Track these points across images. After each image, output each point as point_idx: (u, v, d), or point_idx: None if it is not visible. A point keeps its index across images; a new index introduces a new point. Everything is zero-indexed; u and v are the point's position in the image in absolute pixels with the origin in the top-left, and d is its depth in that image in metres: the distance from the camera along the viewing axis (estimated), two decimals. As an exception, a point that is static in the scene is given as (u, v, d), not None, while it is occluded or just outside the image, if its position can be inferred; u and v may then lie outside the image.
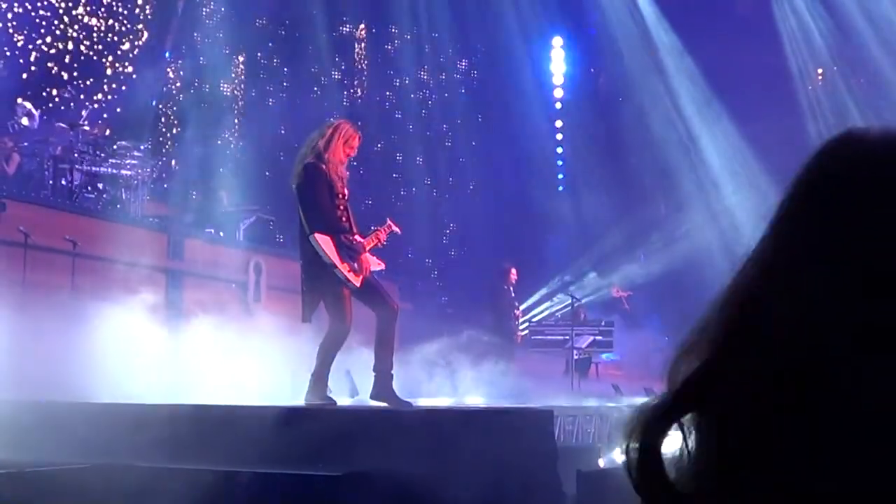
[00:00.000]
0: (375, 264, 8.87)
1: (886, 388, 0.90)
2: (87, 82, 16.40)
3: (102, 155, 14.16)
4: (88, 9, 16.53)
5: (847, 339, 0.92)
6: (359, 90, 20.76)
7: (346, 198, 8.70)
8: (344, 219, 8.58)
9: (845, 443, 0.90)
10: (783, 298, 0.97)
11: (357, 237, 8.65)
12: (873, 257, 0.94)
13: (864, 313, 0.93)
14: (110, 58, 16.84)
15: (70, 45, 16.14)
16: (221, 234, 15.20)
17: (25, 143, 13.66)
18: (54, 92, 15.76)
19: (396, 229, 9.27)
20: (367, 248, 8.72)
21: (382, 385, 8.50)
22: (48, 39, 15.84)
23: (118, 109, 16.54)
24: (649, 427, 1.00)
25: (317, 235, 8.40)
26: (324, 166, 8.48)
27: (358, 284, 8.49)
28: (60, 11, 16.08)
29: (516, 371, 14.08)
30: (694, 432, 0.98)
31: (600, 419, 9.72)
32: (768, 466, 0.93)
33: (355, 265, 8.47)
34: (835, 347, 0.92)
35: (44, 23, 15.86)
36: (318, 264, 8.41)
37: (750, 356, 0.96)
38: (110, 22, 16.89)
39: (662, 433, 0.99)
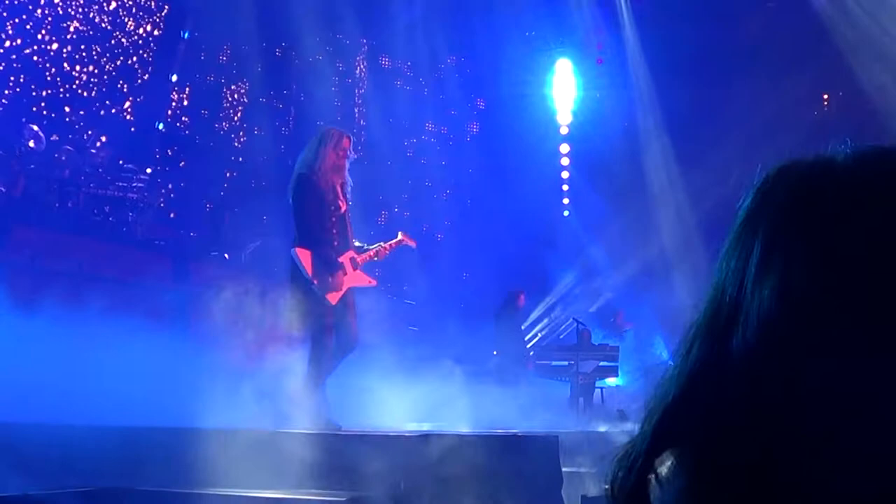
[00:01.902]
0: (365, 281, 8.79)
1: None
2: (90, 105, 16.46)
3: (109, 178, 14.19)
4: (96, 36, 16.59)
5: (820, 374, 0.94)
6: (362, 132, 20.66)
7: (343, 210, 8.54)
8: (334, 231, 8.44)
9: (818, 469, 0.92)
10: (749, 331, 0.98)
11: (350, 254, 8.56)
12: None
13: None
14: (117, 81, 16.89)
15: (78, 67, 16.19)
16: (226, 256, 15.21)
17: (32, 166, 13.68)
18: (59, 113, 15.82)
19: (410, 243, 9.17)
20: (361, 263, 8.61)
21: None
22: (56, 61, 15.90)
23: (124, 133, 16.58)
24: (634, 466, 1.02)
25: (297, 250, 8.33)
26: (314, 177, 8.36)
27: (333, 302, 8.36)
28: (67, 35, 16.15)
29: (522, 396, 14.02)
30: (669, 465, 1.01)
31: (605, 444, 9.68)
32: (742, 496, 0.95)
33: (331, 282, 8.34)
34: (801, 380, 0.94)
35: (49, 43, 15.92)
36: (300, 280, 8.35)
37: (722, 390, 0.98)
38: (117, 50, 16.95)
39: (648, 471, 1.02)
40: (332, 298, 8.37)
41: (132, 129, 16.81)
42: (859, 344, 0.92)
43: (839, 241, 0.96)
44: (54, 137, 14.76)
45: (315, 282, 8.28)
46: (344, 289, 8.46)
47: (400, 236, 9.14)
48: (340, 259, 8.46)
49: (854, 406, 0.91)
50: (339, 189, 8.53)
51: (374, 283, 8.97)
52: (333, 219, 8.46)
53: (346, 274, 8.47)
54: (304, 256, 8.31)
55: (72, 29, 16.16)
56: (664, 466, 1.01)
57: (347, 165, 8.60)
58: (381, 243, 8.95)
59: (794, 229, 0.98)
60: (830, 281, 0.95)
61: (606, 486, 1.08)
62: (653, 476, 1.01)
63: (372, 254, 8.79)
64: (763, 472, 0.93)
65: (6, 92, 15.05)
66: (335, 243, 8.47)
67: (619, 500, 1.04)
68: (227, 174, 18.44)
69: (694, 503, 0.97)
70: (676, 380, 1.03)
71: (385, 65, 21.46)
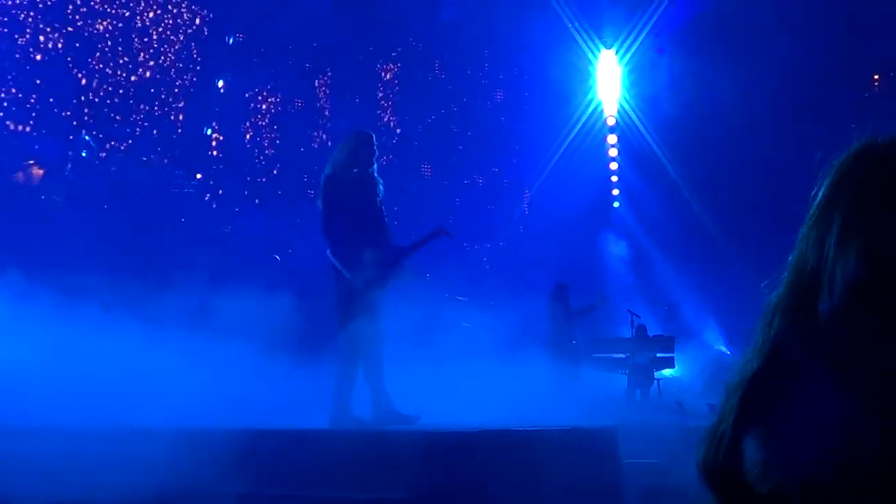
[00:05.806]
0: (406, 275, 8.68)
1: None
2: (142, 113, 16.64)
3: (160, 184, 14.36)
4: (142, 40, 16.77)
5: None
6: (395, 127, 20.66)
7: (377, 205, 8.50)
8: (369, 227, 8.39)
9: None
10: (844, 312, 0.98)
11: (387, 249, 8.50)
12: None
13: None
14: (164, 89, 17.06)
15: (127, 76, 16.37)
16: (278, 258, 15.33)
17: (85, 175, 13.85)
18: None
19: (448, 235, 9.08)
20: (398, 259, 8.54)
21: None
22: (106, 71, 16.10)
23: (174, 139, 16.77)
24: (723, 440, 1.02)
25: (331, 252, 8.34)
26: (342, 177, 8.35)
27: (377, 298, 8.33)
28: (113, 45, 16.33)
29: (579, 389, 13.98)
30: (762, 436, 1.00)
31: (663, 436, 9.62)
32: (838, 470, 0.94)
33: (371, 278, 8.28)
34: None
35: (100, 54, 16.10)
36: (343, 280, 8.29)
37: (811, 352, 0.98)
38: (164, 58, 17.12)
39: (739, 443, 1.01)
40: (375, 294, 8.37)
41: (181, 136, 16.98)
42: None
43: None
44: (114, 144, 14.97)
45: (355, 280, 8.26)
46: (385, 283, 8.43)
47: (436, 229, 9.07)
48: (378, 254, 8.38)
49: None
50: (369, 187, 8.51)
51: (416, 276, 8.91)
52: (367, 216, 8.42)
53: (385, 268, 8.41)
54: (340, 257, 8.29)
55: (120, 39, 16.35)
56: (756, 437, 1.00)
57: (375, 164, 8.57)
58: (417, 241, 8.89)
59: (878, 199, 0.99)
60: None
61: (702, 459, 1.07)
62: (745, 447, 1.00)
63: (408, 250, 8.74)
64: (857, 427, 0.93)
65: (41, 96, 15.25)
66: (370, 239, 8.39)
67: (712, 478, 1.04)
68: (275, 174, 18.53)
69: (789, 473, 0.96)
70: (760, 350, 1.03)
71: (423, 65, 21.42)
